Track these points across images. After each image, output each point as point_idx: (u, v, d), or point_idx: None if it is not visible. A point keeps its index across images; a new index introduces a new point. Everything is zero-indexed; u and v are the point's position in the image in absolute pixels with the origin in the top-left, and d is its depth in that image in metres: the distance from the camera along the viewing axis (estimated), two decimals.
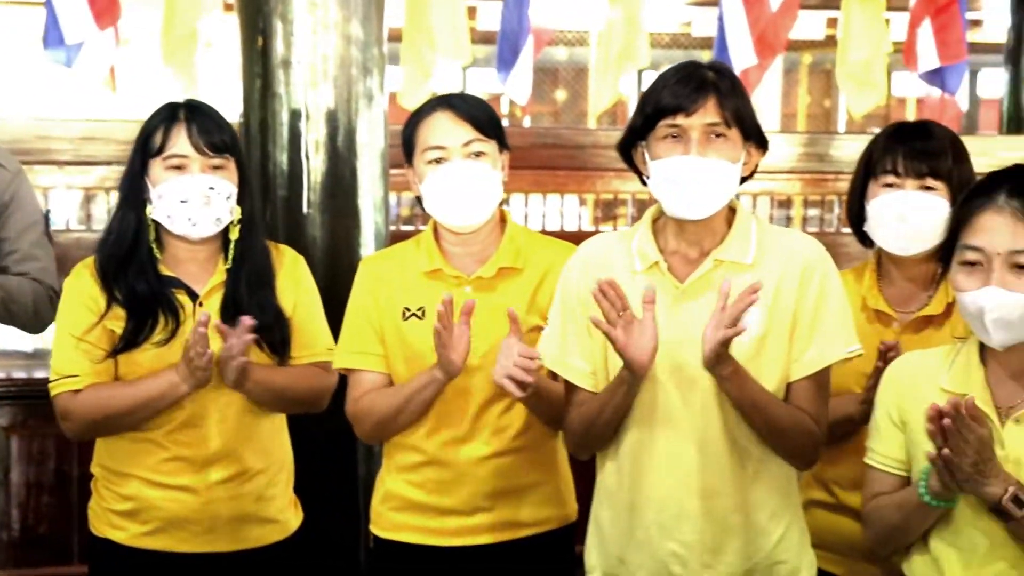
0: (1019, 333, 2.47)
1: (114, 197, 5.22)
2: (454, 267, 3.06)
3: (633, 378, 2.63)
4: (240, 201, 3.11)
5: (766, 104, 14.47)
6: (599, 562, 2.86)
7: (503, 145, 3.07)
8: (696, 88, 2.65)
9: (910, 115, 12.71)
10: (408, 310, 3.07)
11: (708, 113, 2.63)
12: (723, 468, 2.73)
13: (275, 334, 3.11)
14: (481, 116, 3.03)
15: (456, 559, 3.09)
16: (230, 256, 3.15)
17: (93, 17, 5.36)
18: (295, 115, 4.01)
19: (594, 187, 7.50)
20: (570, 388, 2.83)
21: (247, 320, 2.88)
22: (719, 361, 2.56)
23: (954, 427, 2.29)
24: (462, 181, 2.97)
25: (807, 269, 2.76)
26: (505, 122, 9.55)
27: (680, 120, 2.63)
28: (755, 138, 2.74)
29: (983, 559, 2.54)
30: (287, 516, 3.29)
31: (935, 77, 7.76)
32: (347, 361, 3.13)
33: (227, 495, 3.14)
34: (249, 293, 3.13)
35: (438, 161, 2.98)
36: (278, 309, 3.13)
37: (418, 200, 3.11)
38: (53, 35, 5.44)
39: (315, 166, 4.05)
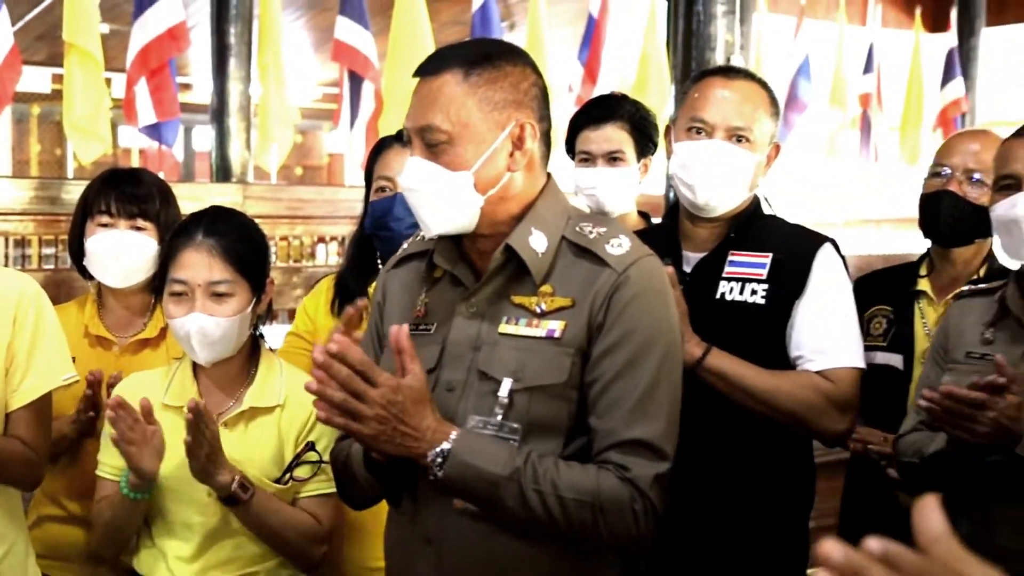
0: (220, 351, 2.64)
1: None
2: None
3: None
4: None
5: (2, 147, 14.42)
6: None
7: None
8: None
9: (135, 163, 12.90)
10: None
11: None
12: None
13: None
14: None
15: None
16: None
17: None
18: None
19: None
20: None
21: None
22: None
23: (194, 423, 2.40)
24: None
25: (21, 305, 2.70)
26: None
27: None
28: None
29: (203, 544, 2.64)
30: None
31: (153, 131, 7.94)
32: None
33: None
34: None
35: None
36: None
37: None
38: None
39: None
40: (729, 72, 2.86)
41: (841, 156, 11.44)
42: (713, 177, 2.70)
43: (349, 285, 3.09)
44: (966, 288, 2.84)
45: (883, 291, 3.26)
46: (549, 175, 2.19)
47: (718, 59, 7.42)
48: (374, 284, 2.83)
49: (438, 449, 1.97)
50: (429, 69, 2.09)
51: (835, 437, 2.76)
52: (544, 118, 2.15)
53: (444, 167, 2.05)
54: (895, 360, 3.12)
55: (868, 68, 11.53)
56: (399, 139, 3.01)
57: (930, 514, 0.98)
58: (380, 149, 3.17)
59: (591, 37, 8.84)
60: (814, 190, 11.13)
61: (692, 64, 7.34)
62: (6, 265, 7.47)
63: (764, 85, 2.84)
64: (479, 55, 2.11)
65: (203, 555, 2.64)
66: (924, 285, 3.16)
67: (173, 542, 2.66)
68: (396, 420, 1.93)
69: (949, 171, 3.03)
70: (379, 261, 3.04)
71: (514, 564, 2.09)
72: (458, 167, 2.05)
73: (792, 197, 10.61)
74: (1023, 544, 2.37)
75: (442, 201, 2.07)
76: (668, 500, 2.08)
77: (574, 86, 8.72)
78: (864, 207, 11.67)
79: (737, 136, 2.70)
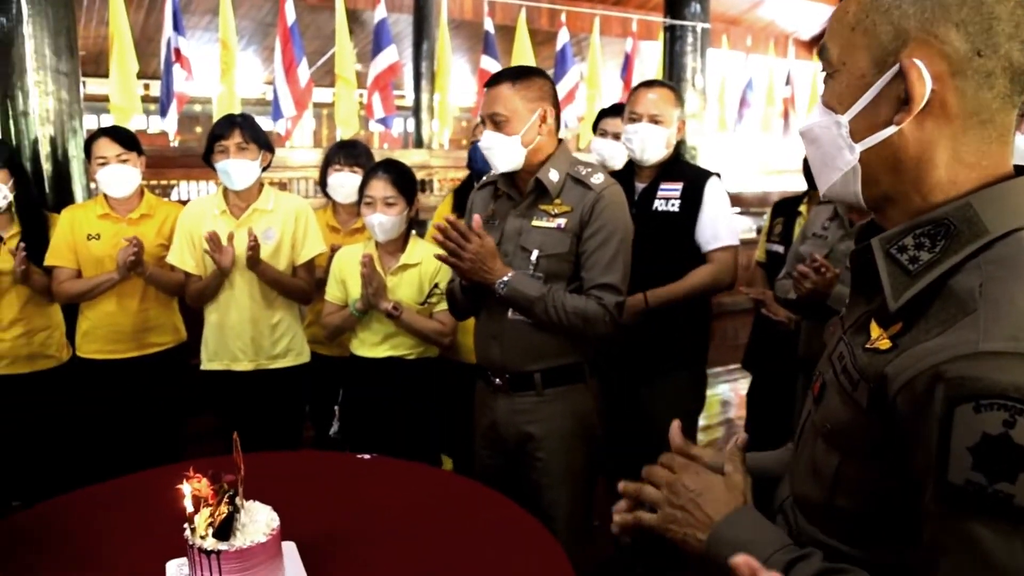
0: (389, 235, 2.64)
1: None
2: (116, 211, 2.94)
3: None
4: (20, 189, 2.89)
5: (307, 132, 14.59)
6: (209, 353, 2.88)
7: (140, 152, 2.91)
8: (228, 125, 2.74)
9: (375, 141, 12.93)
10: (90, 234, 2.90)
11: (236, 137, 2.71)
12: (255, 308, 2.81)
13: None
14: (127, 139, 2.90)
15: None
16: (19, 219, 2.92)
17: None
18: (34, 141, 3.65)
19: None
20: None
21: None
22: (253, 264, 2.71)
23: (367, 266, 2.52)
24: (115, 172, 2.84)
25: (299, 214, 2.84)
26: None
27: (223, 142, 2.72)
28: (266, 147, 2.81)
29: (385, 337, 2.66)
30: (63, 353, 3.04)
31: (383, 121, 7.90)
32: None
33: (25, 342, 2.93)
34: (33, 237, 2.92)
35: (103, 163, 2.83)
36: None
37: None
38: None
39: (47, 167, 3.68)
40: (652, 83, 2.79)
41: (771, 133, 11.09)
42: (643, 143, 2.69)
43: (460, 196, 3.06)
44: (821, 201, 2.76)
45: (782, 211, 3.23)
46: (561, 140, 2.17)
47: (687, 76, 7.12)
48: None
49: (502, 279, 2.03)
50: (492, 83, 2.10)
51: (727, 287, 2.75)
52: (556, 108, 2.14)
53: (505, 135, 2.06)
54: (781, 249, 3.10)
55: (787, 82, 11.16)
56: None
57: (675, 434, 1.06)
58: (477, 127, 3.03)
59: (627, 65, 8.63)
60: (752, 150, 11.01)
61: (674, 79, 7.01)
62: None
63: (672, 88, 2.78)
64: (519, 73, 2.11)
65: (385, 342, 2.67)
66: (803, 208, 3.10)
67: (370, 335, 2.69)
68: (480, 261, 2.01)
69: None
70: (475, 181, 2.97)
71: (540, 345, 2.11)
72: (511, 134, 2.06)
73: (742, 154, 10.46)
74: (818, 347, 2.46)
75: (504, 152, 2.08)
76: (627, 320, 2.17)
77: (620, 94, 8.52)
78: (782, 161, 11.46)
79: (654, 119, 2.67)
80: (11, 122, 3.71)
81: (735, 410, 5.11)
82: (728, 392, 5.51)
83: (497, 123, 2.06)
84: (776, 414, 3.07)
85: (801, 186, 3.36)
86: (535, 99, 2.08)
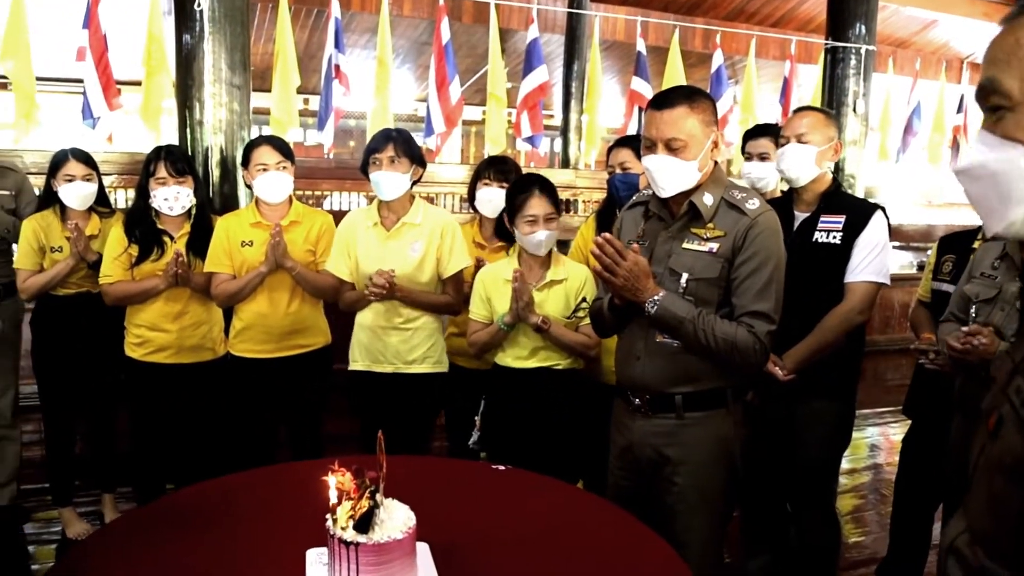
0: (547, 249, 2.72)
1: (120, 192, 5.35)
2: (267, 219, 3.07)
3: None
4: (196, 194, 3.14)
5: (455, 148, 14.85)
6: (355, 354, 2.98)
7: (293, 161, 3.08)
8: (384, 139, 2.86)
9: (521, 159, 13.09)
10: (244, 241, 3.05)
11: (389, 151, 2.82)
12: (396, 314, 2.89)
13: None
14: (285, 148, 3.08)
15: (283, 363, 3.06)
16: (191, 221, 3.17)
17: (106, 103, 5.42)
18: (206, 149, 3.91)
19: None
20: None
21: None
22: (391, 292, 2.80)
23: (518, 280, 2.58)
24: (273, 179, 3.02)
25: (445, 228, 2.90)
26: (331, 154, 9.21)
27: (377, 155, 2.84)
28: (418, 162, 2.89)
29: (532, 350, 2.69)
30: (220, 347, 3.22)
31: (530, 140, 7.87)
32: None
33: (190, 333, 3.15)
34: (200, 238, 3.13)
35: (263, 170, 3.02)
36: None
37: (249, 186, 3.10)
38: (86, 112, 5.47)
39: (216, 173, 3.93)
40: (804, 108, 2.78)
41: (937, 163, 10.44)
42: (790, 163, 2.70)
43: (603, 218, 3.08)
44: (990, 237, 2.59)
45: (953, 247, 3.03)
46: (716, 163, 2.14)
47: (849, 101, 6.81)
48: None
49: (653, 298, 2.02)
50: (667, 104, 2.06)
51: (862, 324, 2.69)
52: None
53: (682, 160, 2.05)
54: (952, 288, 2.85)
55: (959, 109, 10.51)
56: (619, 144, 3.02)
57: None
58: (610, 151, 3.08)
59: (785, 89, 8.37)
60: (915, 181, 10.42)
61: (834, 104, 6.74)
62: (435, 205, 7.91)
63: (825, 112, 2.76)
64: (692, 94, 2.08)
65: (532, 356, 2.70)
66: (977, 244, 2.88)
67: (515, 348, 2.72)
68: (633, 278, 2.00)
69: None
70: (617, 207, 2.96)
71: (683, 368, 2.09)
72: (689, 159, 2.05)
73: (903, 185, 9.92)
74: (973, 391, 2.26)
75: (678, 178, 2.07)
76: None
77: (778, 119, 8.27)
78: (948, 194, 10.80)
79: (800, 139, 2.68)
80: (188, 130, 3.99)
81: (884, 455, 4.88)
82: (877, 436, 5.26)
83: (674, 148, 2.05)
84: (930, 463, 2.91)
85: (970, 220, 3.12)
86: (710, 123, 2.08)
